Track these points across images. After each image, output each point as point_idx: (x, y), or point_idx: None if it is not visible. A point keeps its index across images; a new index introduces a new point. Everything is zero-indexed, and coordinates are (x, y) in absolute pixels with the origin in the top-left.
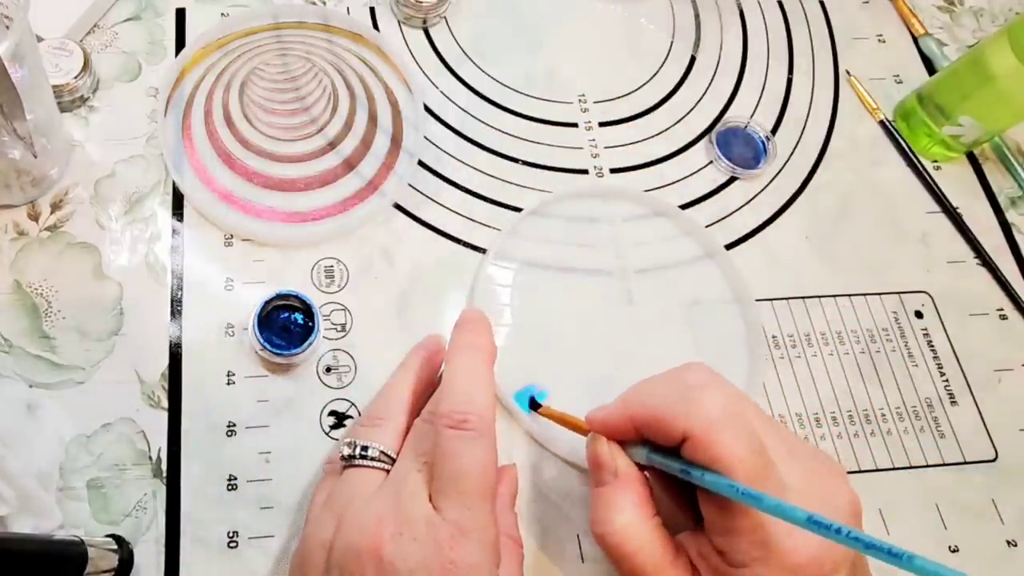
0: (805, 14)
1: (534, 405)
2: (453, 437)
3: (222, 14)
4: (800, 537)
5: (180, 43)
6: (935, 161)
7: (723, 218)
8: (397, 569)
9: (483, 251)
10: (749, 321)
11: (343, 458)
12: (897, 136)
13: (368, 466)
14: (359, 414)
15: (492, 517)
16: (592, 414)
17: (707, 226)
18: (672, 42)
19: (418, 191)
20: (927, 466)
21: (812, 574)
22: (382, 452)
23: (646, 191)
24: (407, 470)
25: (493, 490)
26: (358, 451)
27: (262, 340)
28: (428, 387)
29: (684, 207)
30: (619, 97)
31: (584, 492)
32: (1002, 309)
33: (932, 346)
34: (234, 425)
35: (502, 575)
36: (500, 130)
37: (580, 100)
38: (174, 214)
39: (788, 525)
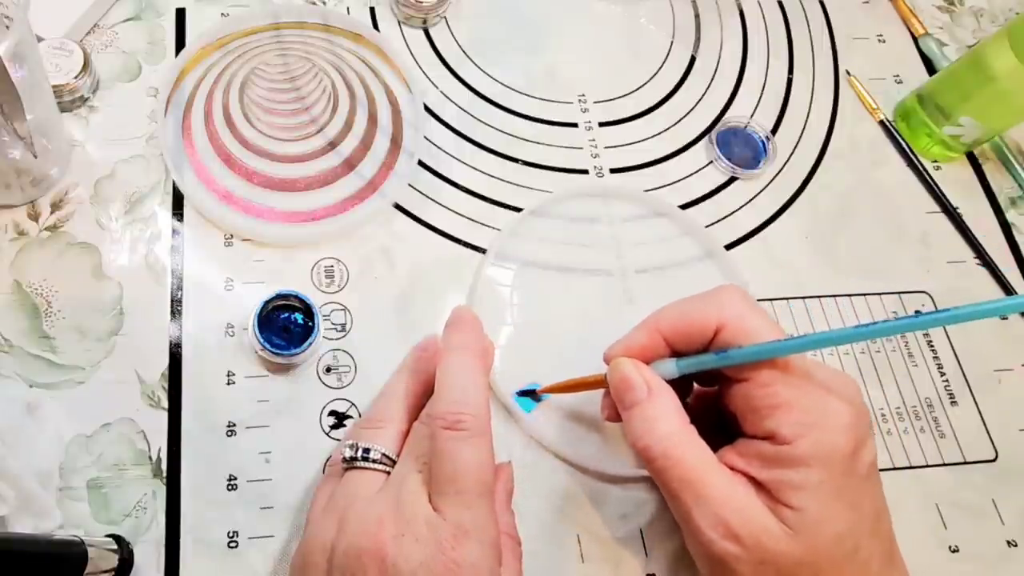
0: (805, 14)
1: (534, 398)
2: (448, 438)
3: (222, 14)
4: (841, 397)
5: (180, 43)
6: (935, 161)
7: (723, 218)
8: (400, 570)
9: (483, 251)
10: None
11: (344, 460)
12: (897, 136)
13: (369, 468)
14: (359, 414)
15: (492, 516)
16: (612, 348)
17: (707, 226)
18: (672, 42)
19: (418, 191)
20: (927, 466)
21: (857, 434)
22: (383, 454)
23: (646, 191)
24: (407, 471)
25: (491, 489)
26: (359, 453)
27: (262, 340)
28: (427, 388)
29: (684, 207)
30: (619, 97)
31: (584, 492)
32: None
33: (932, 346)
34: (234, 425)
35: (503, 574)
36: (500, 130)
37: (580, 100)
38: (174, 214)
39: (828, 392)
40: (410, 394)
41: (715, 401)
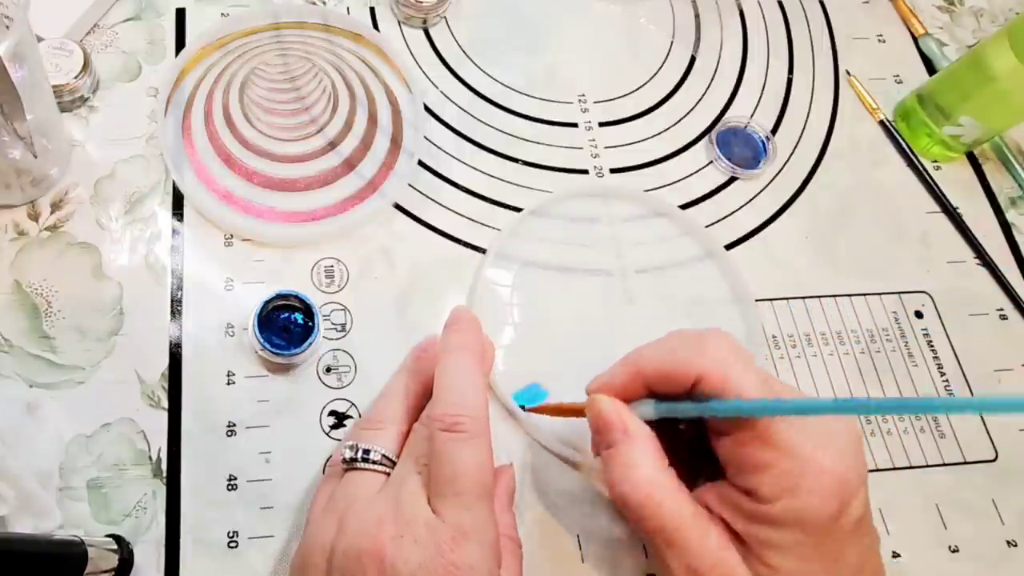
0: (805, 14)
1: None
2: (447, 440)
3: (222, 14)
4: (826, 458)
5: (180, 43)
6: (935, 161)
7: (723, 218)
8: (398, 571)
9: (483, 251)
10: (749, 321)
11: (344, 461)
12: (897, 136)
13: (369, 469)
14: (359, 414)
15: (491, 517)
16: (592, 384)
17: (707, 226)
18: (672, 42)
19: (418, 191)
20: (927, 466)
21: (841, 496)
22: (383, 455)
23: (646, 191)
24: (406, 473)
25: (491, 490)
26: (360, 454)
27: (262, 340)
28: (428, 388)
29: (684, 207)
30: (619, 97)
31: (584, 493)
32: (1002, 309)
33: (932, 346)
34: (234, 425)
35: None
36: (500, 130)
37: (580, 100)
38: (174, 214)
39: (813, 453)
40: (410, 395)
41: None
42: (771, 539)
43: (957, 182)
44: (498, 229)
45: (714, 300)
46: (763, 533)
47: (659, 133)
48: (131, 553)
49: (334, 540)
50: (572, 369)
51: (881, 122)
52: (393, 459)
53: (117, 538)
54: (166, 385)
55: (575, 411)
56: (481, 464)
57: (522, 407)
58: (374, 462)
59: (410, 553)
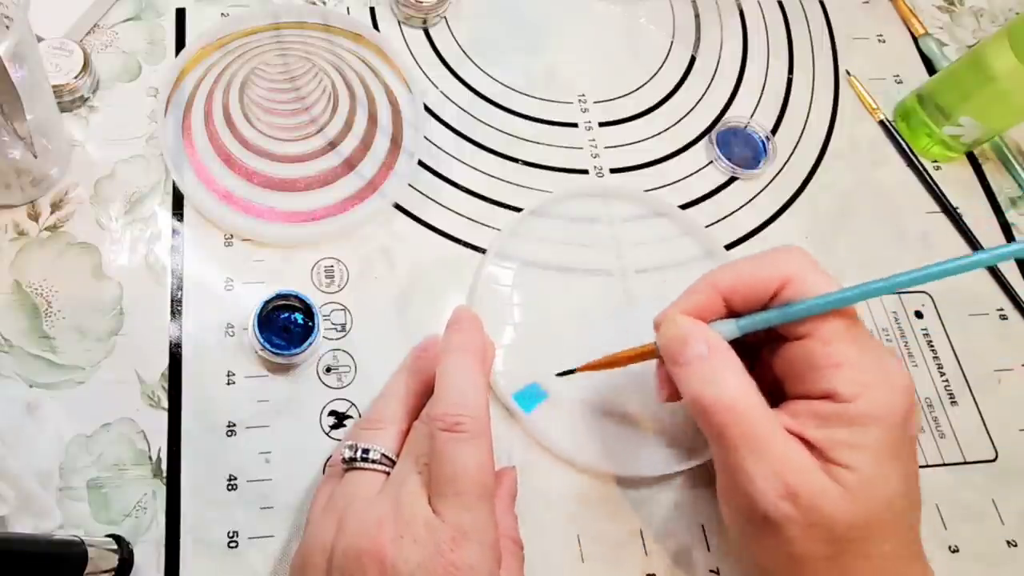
0: (805, 14)
1: (566, 373)
2: (448, 440)
3: (222, 14)
4: (893, 362)
5: (180, 43)
6: (935, 161)
7: (723, 218)
8: (399, 571)
9: (483, 251)
10: None
11: (344, 460)
12: (897, 136)
13: (369, 468)
14: (359, 414)
15: (492, 518)
16: (664, 312)
17: (707, 226)
18: (672, 42)
19: (418, 191)
20: (927, 466)
21: (910, 399)
22: (383, 455)
23: (646, 191)
24: (407, 472)
25: (491, 490)
26: (359, 454)
27: (262, 340)
28: (428, 388)
29: (684, 207)
30: (619, 97)
31: (584, 492)
32: (1002, 309)
33: (932, 346)
34: (234, 425)
35: None
36: (500, 130)
37: (580, 100)
38: (174, 214)
39: (883, 355)
40: (410, 394)
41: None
42: (849, 439)
43: (957, 182)
44: (498, 229)
45: None
46: (840, 434)
47: (659, 133)
48: (131, 553)
49: (334, 540)
50: (601, 352)
51: (881, 122)
52: (393, 458)
53: (117, 538)
54: (166, 385)
55: (633, 357)
56: (482, 464)
57: (568, 372)
58: (374, 461)
59: (410, 553)
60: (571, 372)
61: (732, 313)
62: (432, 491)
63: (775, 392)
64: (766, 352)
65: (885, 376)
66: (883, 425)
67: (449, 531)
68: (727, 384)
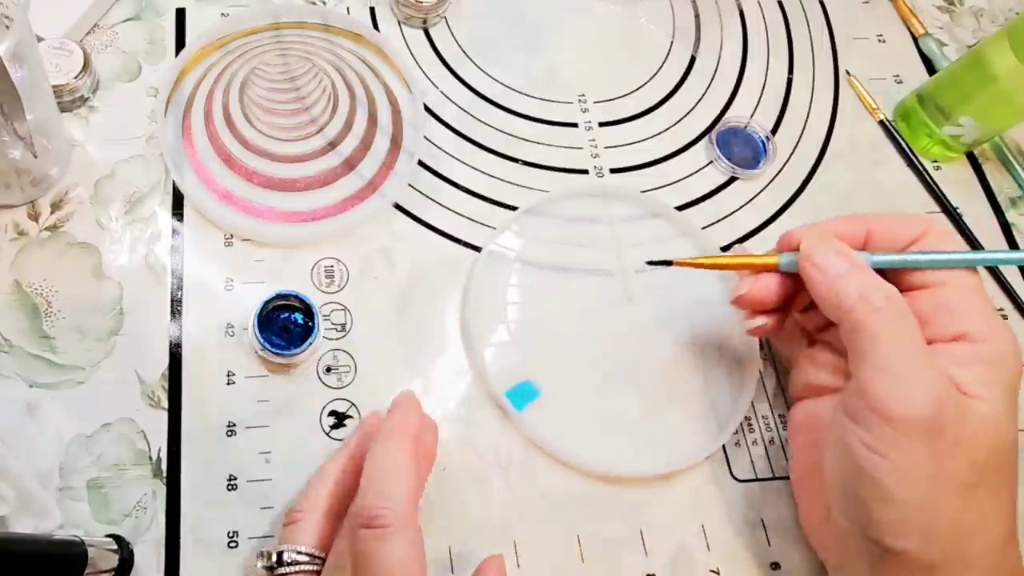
0: (805, 14)
1: (660, 263)
2: (367, 539)
3: (222, 14)
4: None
5: (180, 43)
6: (935, 161)
7: (723, 218)
8: None
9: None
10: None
11: (265, 569)
12: (897, 136)
13: (291, 573)
14: (359, 414)
15: None
16: (811, 228)
17: (707, 226)
18: (672, 42)
19: (418, 191)
20: None
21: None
22: (299, 553)
23: (646, 191)
24: (334, 572)
25: None
26: (273, 561)
27: (262, 340)
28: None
29: (684, 207)
30: (619, 97)
31: (581, 492)
32: (1002, 309)
33: None
34: (234, 425)
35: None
36: (500, 130)
37: (580, 100)
38: (174, 214)
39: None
40: (343, 476)
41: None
42: (984, 375)
43: (957, 182)
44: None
45: (714, 300)
46: (976, 371)
47: (659, 133)
48: (131, 553)
49: None
50: (571, 368)
51: (881, 122)
52: (314, 553)
53: (117, 538)
54: (166, 385)
55: (750, 265)
56: (404, 559)
57: (664, 262)
58: (289, 564)
59: None
60: (668, 263)
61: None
62: None
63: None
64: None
65: (1004, 325)
66: (1010, 365)
67: None
68: (885, 288)
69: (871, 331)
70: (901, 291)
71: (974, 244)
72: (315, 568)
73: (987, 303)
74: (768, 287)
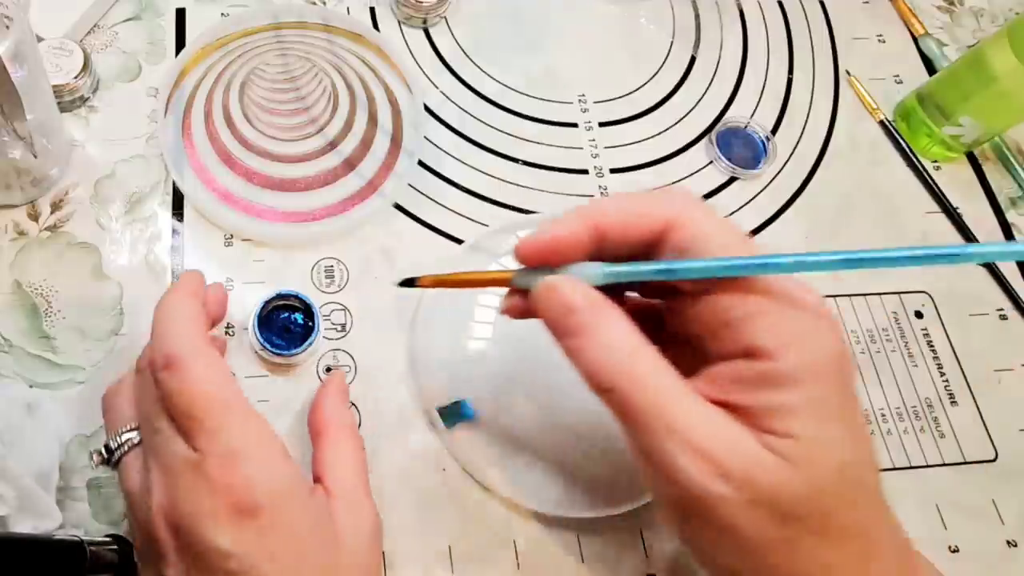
0: (805, 14)
1: (409, 282)
2: (166, 379)
3: (222, 14)
4: (817, 302)
5: (180, 43)
6: (935, 161)
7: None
8: (190, 529)
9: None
10: None
11: (104, 464)
12: (897, 136)
13: (121, 457)
14: (359, 414)
15: (249, 425)
16: (531, 238)
17: None
18: (672, 42)
19: (418, 191)
20: (927, 466)
21: (844, 342)
22: (120, 434)
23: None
24: (150, 434)
25: (234, 399)
26: (104, 455)
27: (262, 340)
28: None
29: None
30: (619, 97)
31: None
32: (1002, 309)
33: (932, 346)
34: None
35: (332, 459)
36: (500, 130)
37: (580, 100)
38: (174, 214)
39: (805, 296)
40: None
41: (656, 325)
42: (784, 402)
43: (957, 182)
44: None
45: None
46: (774, 397)
47: (659, 133)
48: (131, 553)
49: (143, 542)
50: (508, 396)
51: (881, 122)
52: (134, 425)
53: (117, 538)
54: None
55: (488, 281)
56: (206, 384)
57: (408, 282)
58: (117, 448)
59: (187, 506)
60: (412, 282)
61: (601, 257)
62: (183, 433)
63: (689, 361)
64: (669, 315)
65: (812, 322)
66: (818, 380)
67: (214, 461)
68: (618, 355)
69: (623, 409)
70: (677, 302)
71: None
72: (136, 442)
73: (781, 295)
74: (520, 304)
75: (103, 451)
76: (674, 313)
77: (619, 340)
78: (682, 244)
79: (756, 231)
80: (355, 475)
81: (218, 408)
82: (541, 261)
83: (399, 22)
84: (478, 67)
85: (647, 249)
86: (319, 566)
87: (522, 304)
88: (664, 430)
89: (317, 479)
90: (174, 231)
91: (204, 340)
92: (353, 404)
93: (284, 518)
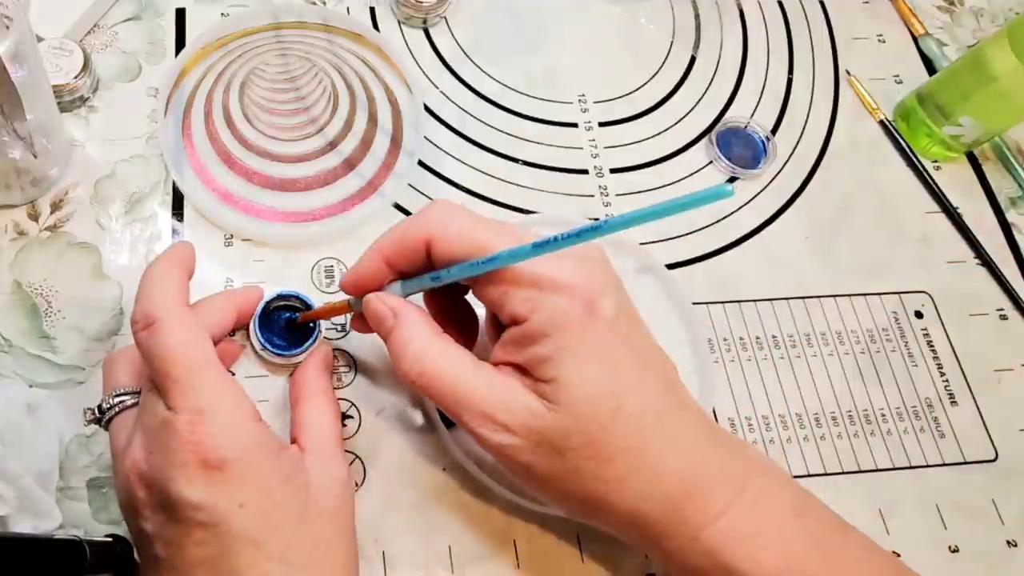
0: (805, 14)
1: (292, 320)
2: (144, 338)
3: (222, 14)
4: (561, 272)
5: (180, 43)
6: (935, 161)
7: (723, 218)
8: (160, 485)
9: None
10: (692, 330)
11: (96, 423)
12: (897, 136)
13: (113, 415)
14: (359, 414)
15: (220, 385)
16: (345, 276)
17: (707, 226)
18: (672, 42)
19: (418, 191)
20: (927, 466)
21: (584, 297)
22: (115, 396)
23: (647, 191)
24: (144, 393)
25: (205, 360)
26: (97, 414)
27: (262, 340)
28: None
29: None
30: (619, 97)
31: None
32: (1002, 309)
33: (932, 346)
34: None
35: (307, 420)
36: (500, 130)
37: (580, 100)
38: (174, 214)
39: (547, 271)
40: None
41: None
42: (541, 353)
43: (957, 182)
44: None
45: (655, 312)
46: (535, 352)
47: (659, 133)
48: (131, 553)
49: (122, 499)
50: None
51: (881, 122)
52: (130, 389)
53: (117, 538)
54: None
55: (336, 310)
56: (181, 343)
57: (292, 320)
58: (108, 408)
59: (158, 460)
60: (297, 315)
61: (404, 274)
62: (159, 392)
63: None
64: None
65: (551, 280)
66: (561, 329)
67: (184, 417)
68: (413, 351)
69: (431, 397)
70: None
71: (974, 244)
72: (135, 401)
73: (532, 265)
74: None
75: (96, 410)
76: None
77: (413, 337)
78: (443, 254)
79: (756, 231)
80: (328, 432)
81: (191, 368)
82: (357, 291)
83: (399, 22)
84: (478, 67)
85: (431, 260)
86: (289, 515)
87: (363, 322)
88: (456, 404)
89: (293, 440)
90: (174, 231)
91: (183, 304)
92: (353, 404)
93: (252, 471)
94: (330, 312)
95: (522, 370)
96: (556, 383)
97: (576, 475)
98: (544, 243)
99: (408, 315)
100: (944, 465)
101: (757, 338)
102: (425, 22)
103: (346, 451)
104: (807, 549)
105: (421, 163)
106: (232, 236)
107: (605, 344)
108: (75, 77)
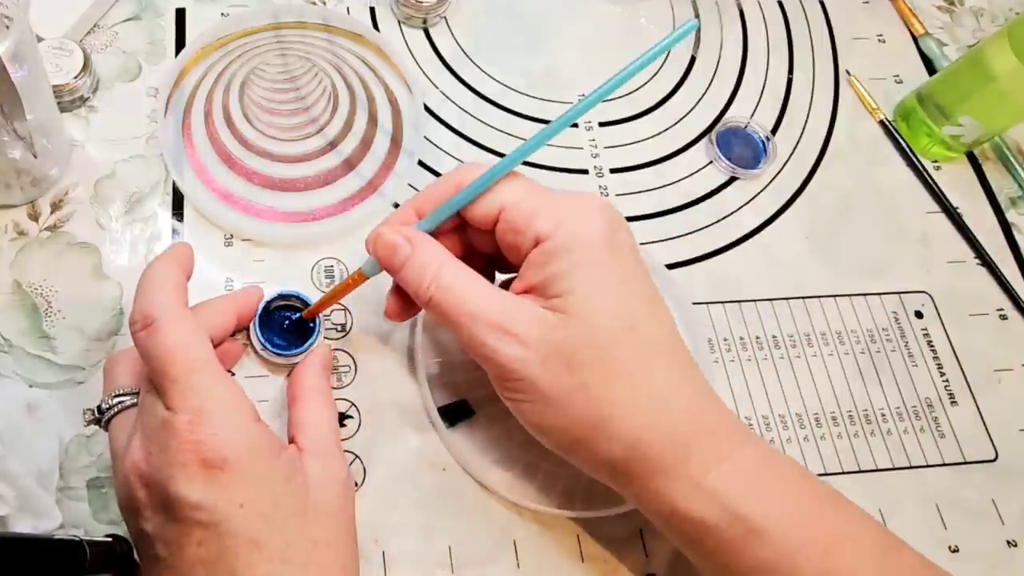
0: (805, 14)
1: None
2: (143, 338)
3: (222, 14)
4: (580, 199)
5: (180, 43)
6: (935, 161)
7: (723, 218)
8: (160, 484)
9: None
10: (692, 330)
11: (95, 423)
12: (897, 136)
13: (113, 415)
14: (359, 414)
15: (218, 384)
16: (378, 228)
17: (707, 226)
18: None
19: (418, 191)
20: (927, 466)
21: (605, 222)
22: (115, 396)
23: (647, 191)
24: (143, 395)
25: (204, 360)
26: (97, 414)
27: (262, 340)
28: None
29: (684, 207)
30: (619, 97)
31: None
32: (1002, 309)
33: (932, 346)
34: None
35: (304, 419)
36: (500, 130)
37: (580, 100)
38: (174, 214)
39: (569, 197)
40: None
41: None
42: (562, 268)
43: (957, 182)
44: None
45: None
46: (555, 268)
47: (659, 133)
48: (131, 553)
49: (122, 499)
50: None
51: (881, 122)
52: (131, 390)
53: (117, 538)
54: None
55: (350, 284)
56: (179, 344)
57: (298, 314)
58: (107, 409)
59: (158, 460)
60: (299, 314)
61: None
62: (158, 392)
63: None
64: (497, 236)
65: (577, 206)
66: (584, 246)
67: (183, 417)
68: (433, 270)
69: (447, 317)
70: (496, 235)
71: (974, 244)
72: (135, 401)
73: (551, 194)
74: (393, 299)
75: (95, 410)
76: (502, 244)
77: (432, 259)
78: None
79: (756, 231)
80: (326, 432)
81: (189, 368)
82: None
83: (399, 22)
84: (478, 67)
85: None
86: (288, 514)
87: (397, 304)
88: (469, 318)
89: (291, 440)
90: (174, 231)
91: (181, 304)
92: (353, 404)
93: (251, 471)
94: (342, 291)
95: (535, 291)
96: (573, 295)
97: (583, 393)
98: (550, 130)
99: (424, 242)
100: (944, 465)
101: (757, 338)
102: (425, 22)
103: (346, 451)
104: (816, 507)
105: (421, 163)
106: (232, 236)
107: (623, 269)
108: (75, 77)
